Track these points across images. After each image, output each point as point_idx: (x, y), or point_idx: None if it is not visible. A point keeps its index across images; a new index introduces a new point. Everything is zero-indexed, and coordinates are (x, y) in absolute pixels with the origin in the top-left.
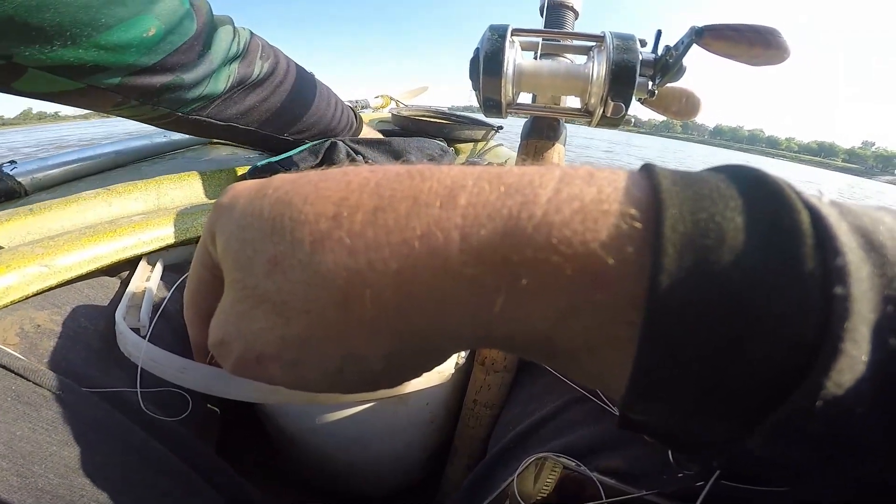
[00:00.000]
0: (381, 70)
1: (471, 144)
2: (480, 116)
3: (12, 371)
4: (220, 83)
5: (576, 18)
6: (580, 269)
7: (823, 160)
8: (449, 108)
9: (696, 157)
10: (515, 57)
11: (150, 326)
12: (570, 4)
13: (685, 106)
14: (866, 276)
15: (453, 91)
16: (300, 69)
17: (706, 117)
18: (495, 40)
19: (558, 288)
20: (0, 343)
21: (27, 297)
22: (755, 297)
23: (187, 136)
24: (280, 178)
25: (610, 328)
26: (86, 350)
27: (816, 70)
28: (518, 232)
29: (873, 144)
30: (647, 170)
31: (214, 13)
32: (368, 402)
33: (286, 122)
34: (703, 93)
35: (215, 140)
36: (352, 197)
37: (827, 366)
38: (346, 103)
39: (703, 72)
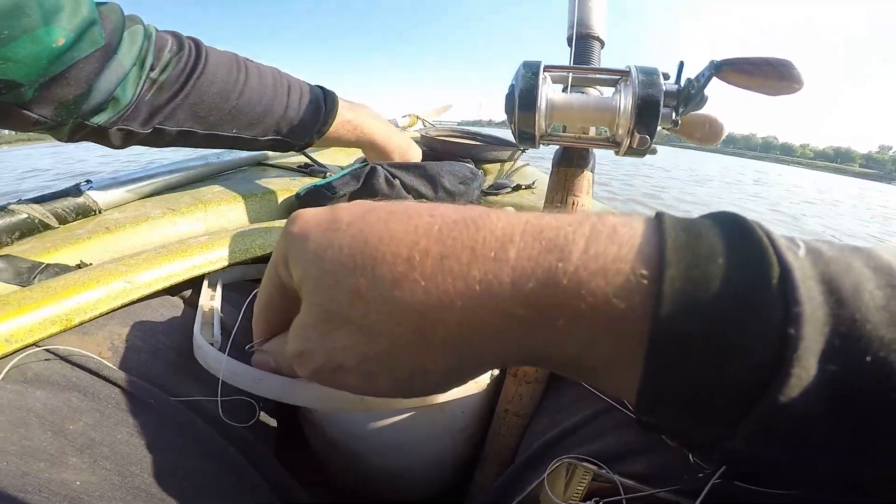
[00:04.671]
0: (404, 89)
1: (498, 165)
2: (501, 133)
3: (113, 382)
4: (130, 88)
5: (602, 47)
6: (601, 313)
7: (840, 166)
8: (459, 123)
9: (709, 169)
10: (547, 92)
11: (227, 342)
12: (597, 35)
13: (708, 132)
14: (821, 317)
15: (465, 105)
16: (228, 57)
17: None
18: (529, 77)
19: (585, 325)
20: (98, 356)
21: (112, 311)
22: (730, 337)
23: (236, 157)
24: (348, 212)
25: (623, 356)
26: (166, 363)
27: (832, 74)
28: (556, 284)
29: (891, 148)
30: (659, 224)
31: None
32: (409, 409)
33: (223, 117)
34: (717, 104)
35: (263, 162)
36: (421, 242)
37: (780, 384)
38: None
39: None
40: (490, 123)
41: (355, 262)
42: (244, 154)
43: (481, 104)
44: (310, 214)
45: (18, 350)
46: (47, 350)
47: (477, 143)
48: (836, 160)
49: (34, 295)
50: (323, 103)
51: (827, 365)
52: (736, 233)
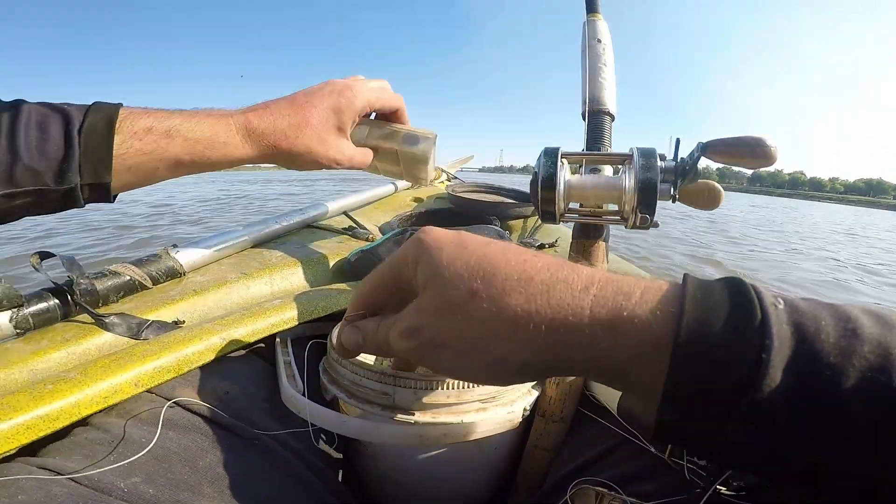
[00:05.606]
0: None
1: (521, 221)
2: (521, 179)
3: (225, 427)
4: None
5: (612, 121)
6: (645, 335)
7: (872, 199)
8: (480, 169)
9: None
10: (565, 175)
11: (305, 390)
12: (607, 110)
13: (707, 198)
14: (787, 348)
15: (486, 151)
16: None
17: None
18: (549, 165)
19: (633, 342)
20: (209, 406)
21: (209, 362)
22: (724, 358)
23: (290, 222)
24: (472, 240)
25: (655, 365)
26: (259, 409)
27: (858, 103)
28: (620, 315)
29: None
30: (685, 285)
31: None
32: (450, 444)
33: None
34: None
35: (311, 224)
36: (527, 270)
37: (756, 389)
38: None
39: (733, 114)
40: (511, 169)
41: (479, 273)
42: (296, 219)
43: (502, 150)
44: (441, 233)
45: (142, 392)
46: (174, 402)
47: (501, 199)
48: (869, 193)
49: (152, 348)
50: (78, 122)
51: (788, 379)
52: (735, 293)
